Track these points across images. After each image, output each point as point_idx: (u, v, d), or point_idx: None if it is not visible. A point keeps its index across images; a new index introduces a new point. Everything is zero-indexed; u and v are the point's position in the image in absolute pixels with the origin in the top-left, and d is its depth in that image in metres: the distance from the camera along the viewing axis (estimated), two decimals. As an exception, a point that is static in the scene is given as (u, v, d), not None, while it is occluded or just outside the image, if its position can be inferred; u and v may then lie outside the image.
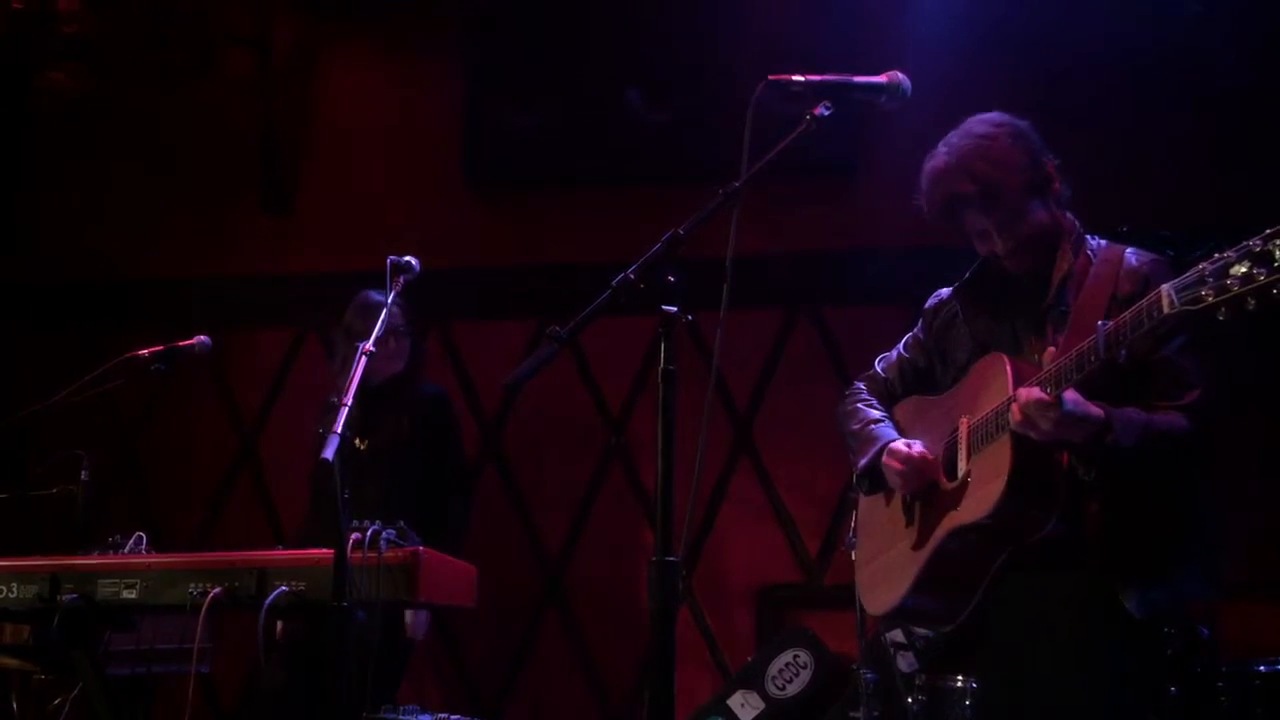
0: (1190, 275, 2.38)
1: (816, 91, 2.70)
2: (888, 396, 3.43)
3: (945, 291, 3.30)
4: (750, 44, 5.49)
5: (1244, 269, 2.28)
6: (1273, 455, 5.18)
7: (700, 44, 5.71)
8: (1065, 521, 2.80)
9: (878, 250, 5.61)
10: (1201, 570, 2.90)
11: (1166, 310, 2.43)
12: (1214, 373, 2.84)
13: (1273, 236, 2.27)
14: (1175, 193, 5.30)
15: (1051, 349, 2.75)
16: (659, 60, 5.76)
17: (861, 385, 3.48)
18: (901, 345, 3.44)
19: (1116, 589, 2.77)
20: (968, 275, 3.20)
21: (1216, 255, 2.34)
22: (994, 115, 3.06)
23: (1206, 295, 2.34)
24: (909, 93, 2.80)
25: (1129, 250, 2.96)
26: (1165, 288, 2.43)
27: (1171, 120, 5.44)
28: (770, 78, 2.69)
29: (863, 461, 3.28)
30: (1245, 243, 2.31)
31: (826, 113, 2.69)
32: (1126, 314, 2.54)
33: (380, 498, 4.92)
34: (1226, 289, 2.30)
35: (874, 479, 3.28)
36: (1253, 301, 2.28)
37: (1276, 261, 2.25)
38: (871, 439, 3.27)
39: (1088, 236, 3.03)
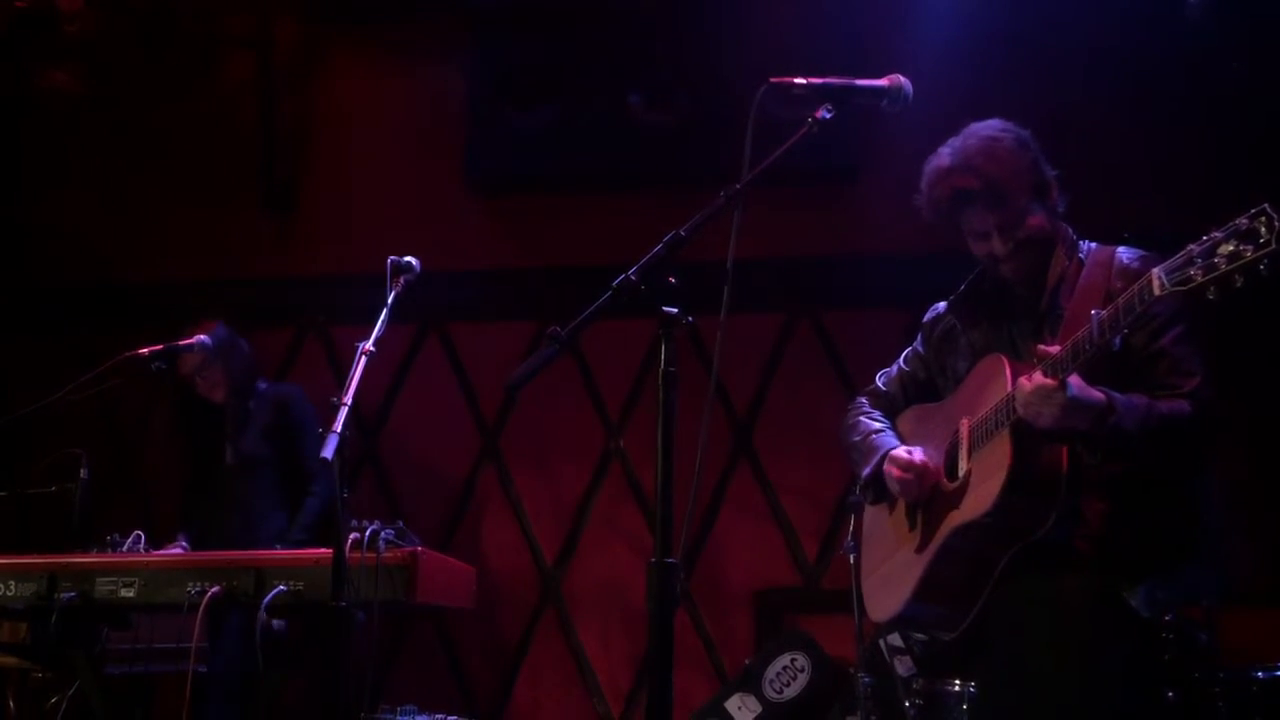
0: (1179, 257, 2.43)
1: (818, 94, 2.69)
2: (890, 409, 3.45)
3: (941, 305, 3.33)
4: (753, 47, 5.48)
5: (1231, 247, 2.33)
6: (1269, 458, 5.19)
7: (702, 47, 5.71)
8: (1068, 522, 2.80)
9: (878, 255, 5.61)
10: (1208, 568, 2.91)
11: (1157, 292, 2.46)
12: (1214, 370, 2.85)
13: (1258, 215, 2.31)
14: (1180, 196, 5.29)
15: (1041, 347, 2.76)
16: (661, 64, 5.75)
17: (863, 399, 3.51)
18: (901, 359, 3.46)
19: (1123, 588, 2.78)
20: (963, 288, 3.22)
21: (1205, 236, 2.39)
22: (996, 122, 3.08)
23: (1195, 275, 2.38)
24: (911, 97, 2.79)
25: (1120, 250, 2.99)
26: (1155, 271, 2.47)
27: (1176, 123, 5.43)
28: (772, 80, 2.68)
29: (865, 472, 3.30)
30: (1233, 221, 2.35)
31: (828, 116, 2.68)
32: (1119, 299, 2.58)
33: (247, 502, 5.03)
34: (1215, 267, 2.35)
35: (878, 489, 3.29)
36: (1240, 279, 2.32)
37: (1262, 238, 2.29)
38: (873, 449, 3.29)
39: (1080, 241, 3.05)
